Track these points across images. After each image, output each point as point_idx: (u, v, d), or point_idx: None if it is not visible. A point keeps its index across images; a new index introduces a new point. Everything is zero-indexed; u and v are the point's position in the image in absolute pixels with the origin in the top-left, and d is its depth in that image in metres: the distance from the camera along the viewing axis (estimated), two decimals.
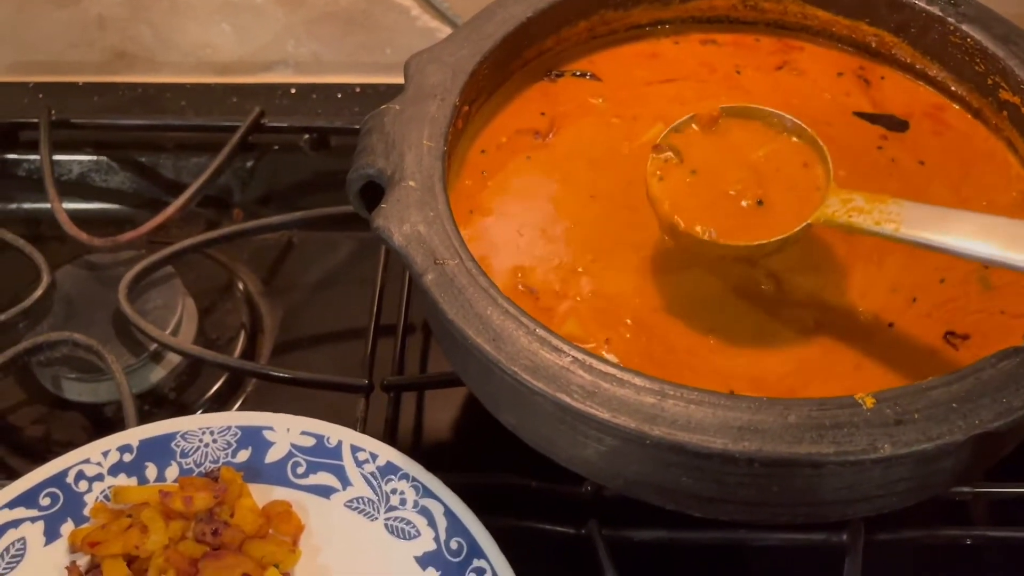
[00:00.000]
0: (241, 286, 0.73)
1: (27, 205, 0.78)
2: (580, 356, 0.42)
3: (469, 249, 0.46)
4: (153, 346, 0.65)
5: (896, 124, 0.58)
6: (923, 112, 0.59)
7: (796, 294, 0.50)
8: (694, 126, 0.52)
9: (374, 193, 0.51)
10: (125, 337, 0.65)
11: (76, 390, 0.65)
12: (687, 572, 0.55)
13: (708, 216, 0.49)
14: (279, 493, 0.52)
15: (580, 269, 0.51)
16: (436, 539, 0.50)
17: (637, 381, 0.41)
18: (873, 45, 0.61)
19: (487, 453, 0.59)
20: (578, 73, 0.62)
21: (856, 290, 0.50)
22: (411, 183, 0.49)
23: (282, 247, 0.76)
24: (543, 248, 0.52)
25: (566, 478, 0.56)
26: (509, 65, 0.59)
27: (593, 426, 0.41)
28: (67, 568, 0.50)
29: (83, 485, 0.52)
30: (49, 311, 0.66)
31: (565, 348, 0.42)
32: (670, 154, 0.51)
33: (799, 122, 0.50)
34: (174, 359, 0.66)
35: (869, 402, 0.39)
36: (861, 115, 0.58)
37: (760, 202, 0.49)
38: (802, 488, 0.42)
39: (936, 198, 0.52)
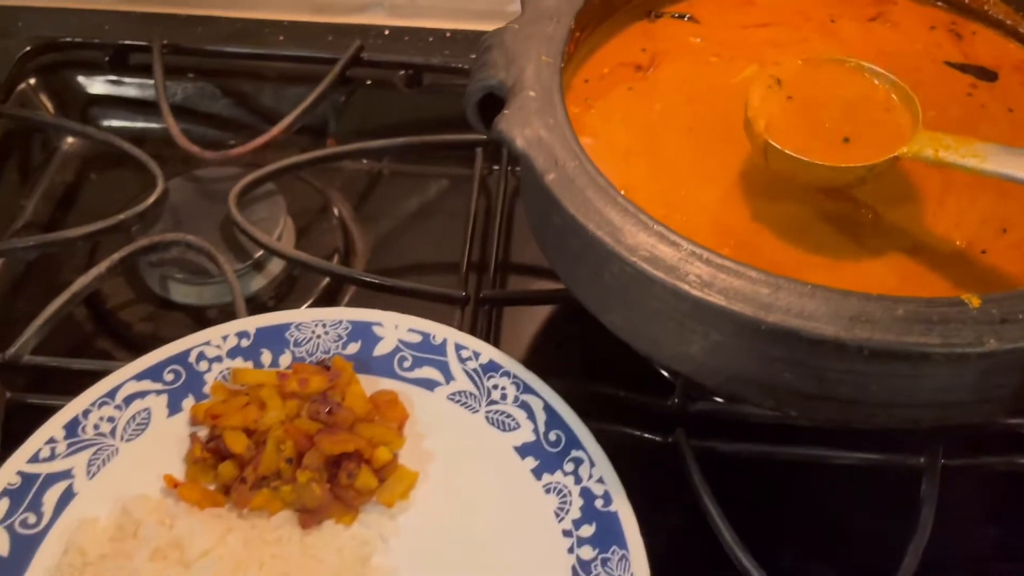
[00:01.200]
0: (336, 211, 0.76)
1: (139, 124, 0.81)
2: (697, 250, 0.44)
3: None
4: (257, 254, 0.68)
5: (986, 75, 0.60)
6: (1012, 66, 0.61)
7: (891, 223, 0.52)
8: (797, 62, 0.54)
9: (489, 109, 0.54)
10: (231, 245, 0.68)
11: (182, 292, 0.68)
12: (769, 486, 0.57)
13: (799, 141, 0.51)
14: (385, 384, 0.55)
15: (682, 193, 0.53)
16: (535, 431, 0.53)
17: (752, 274, 0.43)
18: (967, 1, 0.63)
19: (577, 367, 0.62)
20: (677, 15, 0.64)
21: (949, 220, 0.52)
22: (531, 93, 0.51)
23: (373, 178, 0.79)
24: (644, 172, 0.55)
25: (654, 391, 0.59)
26: (614, 1, 0.62)
27: (707, 316, 0.44)
28: (190, 436, 0.53)
29: (203, 365, 0.55)
30: (161, 217, 0.69)
31: (682, 242, 0.44)
32: (772, 80, 0.53)
33: (888, 74, 0.52)
34: (273, 269, 0.70)
35: (975, 302, 0.41)
36: (952, 64, 0.60)
37: (847, 139, 0.51)
38: (900, 387, 0.44)
39: None
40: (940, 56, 0.61)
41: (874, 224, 0.52)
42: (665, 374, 0.62)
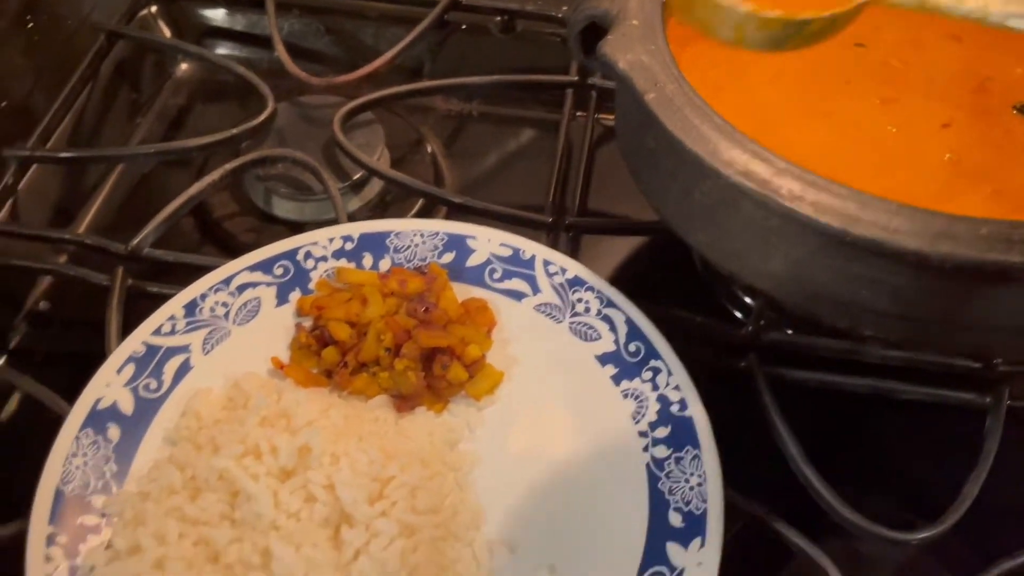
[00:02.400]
0: (428, 148, 0.80)
1: (248, 54, 0.86)
2: (789, 166, 0.47)
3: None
4: (357, 175, 0.72)
5: None
6: None
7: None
8: None
9: (589, 40, 0.57)
10: (332, 166, 0.73)
11: (284, 207, 0.73)
12: (833, 416, 0.59)
13: None
14: (476, 292, 0.59)
15: (770, 135, 0.56)
16: (616, 342, 0.56)
17: (842, 191, 0.45)
18: None
19: (652, 295, 0.65)
20: None
21: None
22: (634, 22, 0.54)
23: (463, 118, 0.83)
24: (733, 108, 0.57)
25: (729, 319, 0.62)
26: None
27: (794, 229, 0.46)
28: (295, 326, 0.57)
29: (310, 263, 0.60)
30: (269, 135, 0.74)
31: (775, 160, 0.47)
32: None
33: None
34: (369, 193, 0.74)
35: None
36: None
37: None
38: (976, 308, 0.46)
39: None
40: None
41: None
42: (737, 312, 0.64)
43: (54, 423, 0.52)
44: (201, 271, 0.60)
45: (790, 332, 0.61)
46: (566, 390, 0.55)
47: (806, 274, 0.49)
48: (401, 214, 0.74)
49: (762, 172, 0.47)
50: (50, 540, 0.47)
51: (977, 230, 0.43)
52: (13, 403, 0.63)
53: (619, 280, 0.68)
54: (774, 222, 0.47)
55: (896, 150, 0.54)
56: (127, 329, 0.58)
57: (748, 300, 0.64)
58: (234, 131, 0.71)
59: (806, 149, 0.55)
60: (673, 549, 0.48)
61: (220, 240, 0.73)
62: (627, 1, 0.56)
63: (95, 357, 0.56)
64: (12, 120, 0.75)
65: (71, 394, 0.54)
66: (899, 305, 0.47)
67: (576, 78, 0.76)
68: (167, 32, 0.87)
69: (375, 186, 0.74)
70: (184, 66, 0.86)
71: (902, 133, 0.55)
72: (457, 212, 0.69)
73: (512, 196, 0.76)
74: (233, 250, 0.72)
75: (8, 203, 0.71)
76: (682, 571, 0.47)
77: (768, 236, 0.49)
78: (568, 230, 0.67)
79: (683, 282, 0.67)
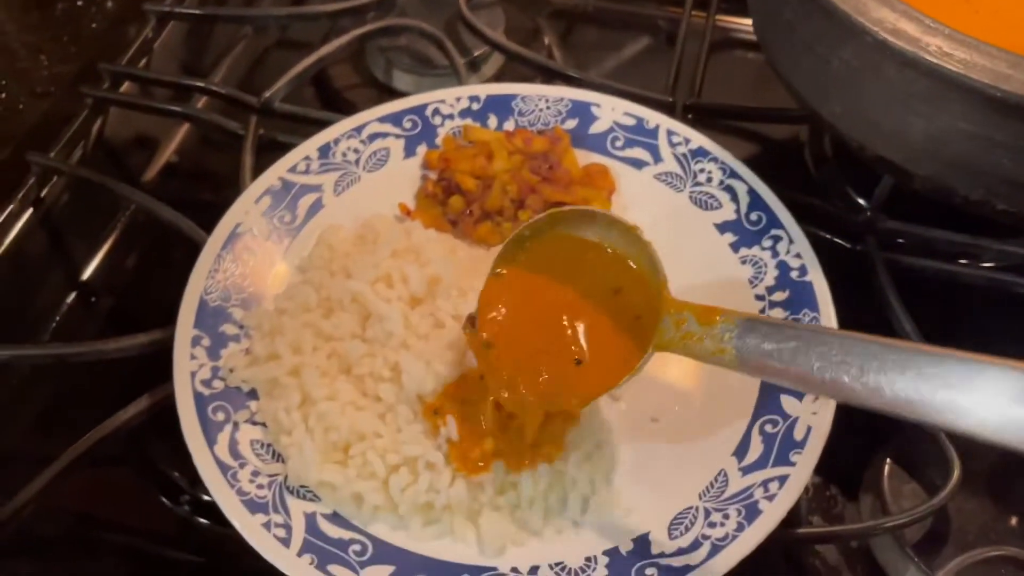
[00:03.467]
0: (545, 40, 0.80)
1: None
2: (939, 26, 0.46)
3: None
4: (478, 52, 0.73)
5: None
6: None
7: None
8: None
9: None
10: (455, 41, 0.74)
11: (404, 81, 0.74)
12: (952, 307, 0.59)
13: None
14: (597, 159, 0.60)
15: None
16: (737, 211, 0.56)
17: (992, 51, 0.45)
18: None
19: (774, 180, 0.65)
20: None
21: None
22: None
23: (579, 14, 0.83)
24: None
25: (850, 206, 0.61)
26: None
27: (940, 89, 0.46)
28: (422, 177, 0.59)
29: (437, 120, 0.61)
30: (394, 7, 0.75)
31: (925, 19, 0.47)
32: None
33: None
34: (487, 72, 0.75)
35: None
36: None
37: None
38: None
39: None
40: None
41: None
42: (859, 198, 0.64)
43: (195, 249, 0.55)
44: (328, 126, 0.62)
45: (907, 223, 0.60)
46: (682, 255, 0.55)
47: (944, 141, 0.49)
48: None
49: (911, 30, 0.47)
50: (195, 341, 0.50)
51: None
52: (155, 231, 0.66)
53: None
54: (919, 85, 0.47)
55: None
56: (258, 176, 0.60)
57: (862, 200, 0.63)
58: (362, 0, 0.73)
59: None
60: (787, 400, 0.48)
61: (341, 110, 0.74)
62: None
63: (227, 202, 0.58)
64: None
65: (207, 227, 0.56)
66: None
67: None
68: None
69: (493, 65, 0.75)
70: None
71: None
72: (576, 86, 0.69)
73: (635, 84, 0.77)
74: None
75: (145, 58, 0.74)
76: (795, 420, 0.47)
77: (908, 102, 0.48)
78: (687, 111, 0.67)
79: (805, 169, 0.67)
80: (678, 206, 0.58)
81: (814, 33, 0.52)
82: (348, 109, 0.74)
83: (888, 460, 0.53)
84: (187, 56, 0.77)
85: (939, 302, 0.59)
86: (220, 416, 0.48)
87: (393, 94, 0.75)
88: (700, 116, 0.68)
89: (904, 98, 0.49)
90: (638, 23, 0.82)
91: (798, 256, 0.53)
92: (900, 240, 0.60)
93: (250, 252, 0.54)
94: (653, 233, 0.57)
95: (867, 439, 0.54)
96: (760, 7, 0.59)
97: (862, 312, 0.57)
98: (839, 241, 0.60)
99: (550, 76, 0.72)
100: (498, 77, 0.75)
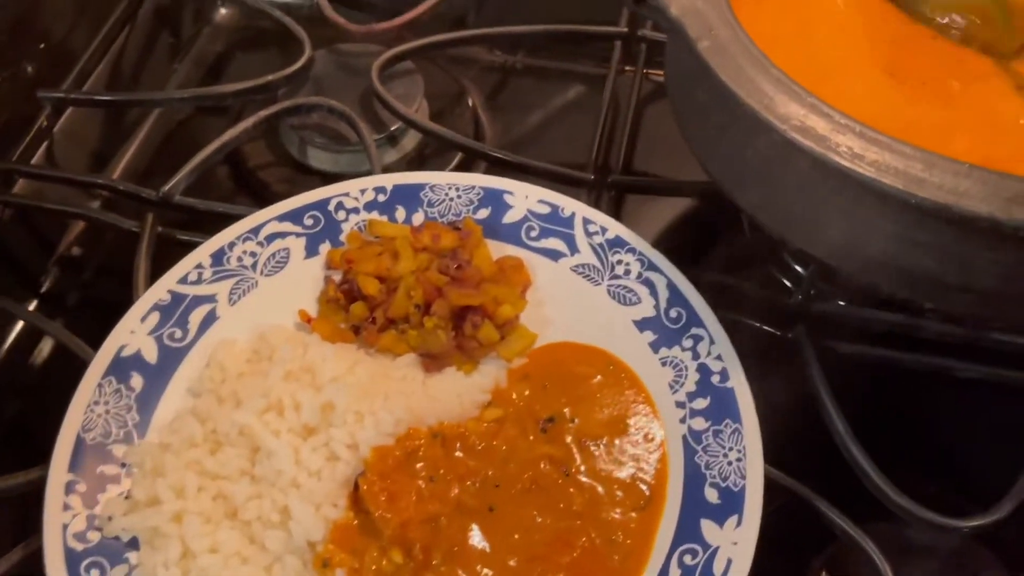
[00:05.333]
0: (470, 101, 0.77)
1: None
2: (850, 122, 0.43)
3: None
4: (394, 126, 0.70)
5: None
6: None
7: None
8: None
9: None
10: (369, 117, 0.70)
11: (319, 158, 0.71)
12: (884, 392, 0.56)
13: None
14: (511, 250, 0.57)
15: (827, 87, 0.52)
16: (656, 307, 0.53)
17: (906, 149, 0.42)
18: None
19: (697, 259, 0.62)
20: None
21: None
22: None
23: (507, 71, 0.80)
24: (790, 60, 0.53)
25: (777, 287, 0.58)
26: None
27: (853, 191, 0.43)
28: (325, 279, 0.56)
29: (341, 214, 0.58)
30: (306, 83, 0.72)
31: (835, 114, 0.44)
32: None
33: None
34: (407, 145, 0.72)
35: None
36: None
37: None
38: None
39: None
40: None
41: None
42: (786, 280, 0.61)
43: (82, 369, 0.51)
44: (231, 220, 0.58)
45: (842, 303, 0.57)
46: None
47: (863, 241, 0.46)
48: (439, 168, 0.71)
49: (820, 128, 0.43)
50: (69, 488, 0.46)
51: None
52: (45, 348, 0.63)
53: (662, 244, 0.65)
54: (831, 183, 0.44)
55: (967, 108, 0.50)
56: (156, 276, 0.57)
57: (798, 268, 0.60)
58: (270, 78, 0.69)
59: (869, 106, 0.51)
60: (708, 526, 0.45)
61: (253, 190, 0.71)
62: None
63: (125, 303, 0.55)
64: (49, 62, 0.74)
65: (100, 342, 0.53)
66: (965, 276, 0.44)
67: (625, 29, 0.72)
68: None
69: (413, 138, 0.72)
70: (223, 11, 0.84)
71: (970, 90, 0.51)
72: (496, 167, 0.66)
73: (554, 153, 0.73)
74: (266, 200, 0.69)
75: (43, 146, 0.70)
76: (716, 550, 0.44)
77: (825, 198, 0.45)
78: (610, 189, 0.64)
79: (730, 248, 0.64)
80: (596, 301, 0.54)
81: (726, 120, 0.49)
82: (260, 190, 0.72)
83: (823, 572, 0.50)
84: (90, 142, 0.73)
85: (876, 389, 0.56)
86: (94, 575, 0.44)
87: (308, 172, 0.72)
88: (624, 191, 0.65)
89: (819, 194, 0.46)
90: (567, 80, 0.79)
91: (719, 359, 0.50)
92: (833, 324, 0.57)
93: (136, 378, 0.51)
94: (571, 331, 0.54)
95: (800, 549, 0.51)
96: (675, 82, 0.56)
97: (791, 406, 0.54)
98: (768, 328, 0.57)
99: (468, 153, 0.69)
100: (419, 150, 0.72)
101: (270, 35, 0.80)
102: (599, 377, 0.53)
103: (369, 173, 0.62)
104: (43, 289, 0.66)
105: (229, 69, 0.82)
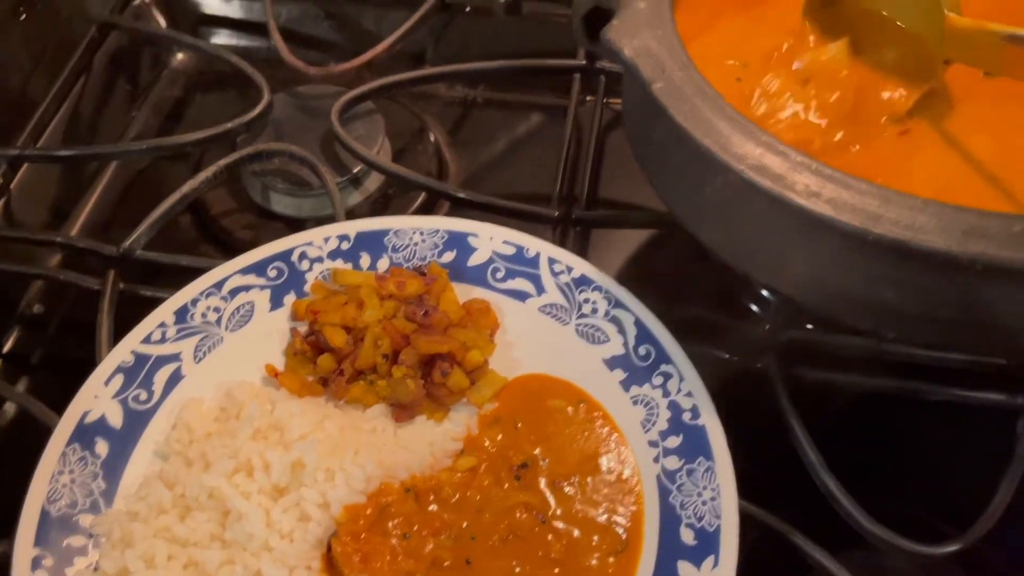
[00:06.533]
0: (432, 137, 0.77)
1: (244, 43, 0.84)
2: (806, 160, 0.43)
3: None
4: (356, 168, 0.70)
5: None
6: None
7: None
8: None
9: (595, 25, 0.54)
10: (331, 159, 0.70)
11: (282, 203, 0.70)
12: (855, 418, 0.57)
13: None
14: (478, 293, 0.56)
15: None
16: (625, 345, 0.53)
17: (862, 186, 0.42)
18: None
19: (667, 292, 0.62)
20: None
21: None
22: (641, 5, 0.51)
23: (468, 105, 0.80)
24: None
25: (745, 317, 0.59)
26: None
27: (812, 228, 0.43)
28: (291, 331, 0.55)
29: (305, 264, 0.57)
30: (265, 128, 0.71)
31: (791, 153, 0.44)
32: None
33: None
34: (370, 187, 0.71)
35: None
36: None
37: None
38: (1007, 311, 0.43)
39: None
40: None
41: None
42: (754, 307, 0.61)
43: (47, 435, 0.50)
44: (194, 272, 0.58)
45: (811, 328, 0.58)
46: None
47: (824, 275, 0.46)
48: (403, 208, 0.71)
49: (776, 166, 0.44)
50: (35, 563, 0.46)
51: (1010, 227, 0.40)
52: (8, 412, 0.62)
53: (630, 274, 0.66)
54: (790, 220, 0.44)
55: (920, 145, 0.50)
56: (119, 334, 0.56)
57: (767, 295, 0.61)
58: (229, 125, 0.69)
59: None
60: (685, 569, 0.45)
61: (217, 237, 0.71)
62: None
63: (89, 361, 0.54)
64: (5, 114, 0.73)
65: (64, 404, 0.52)
66: (925, 306, 0.44)
67: (584, 62, 0.73)
68: (162, 21, 0.84)
69: (376, 179, 0.71)
70: (180, 56, 0.83)
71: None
72: (460, 206, 0.66)
73: (519, 185, 0.74)
74: (231, 247, 0.70)
75: (0, 203, 0.69)
76: None
77: (784, 235, 0.46)
78: (576, 224, 0.64)
79: (699, 276, 0.64)
80: (565, 341, 0.54)
81: (684, 159, 0.49)
82: (225, 237, 0.71)
83: None
84: (48, 197, 0.73)
85: (847, 416, 0.56)
86: None
87: (273, 217, 0.71)
88: (589, 226, 0.65)
89: (779, 231, 0.46)
90: (529, 112, 0.79)
91: (689, 395, 0.50)
92: (803, 351, 0.57)
93: (101, 444, 0.50)
94: (540, 371, 0.54)
95: None
96: (632, 120, 0.56)
97: (765, 437, 0.54)
98: (738, 359, 0.57)
99: (430, 191, 0.69)
100: (383, 190, 0.72)
101: (229, 78, 0.79)
102: (571, 410, 0.52)
103: (333, 217, 0.62)
104: (4, 349, 0.65)
105: (189, 114, 0.81)
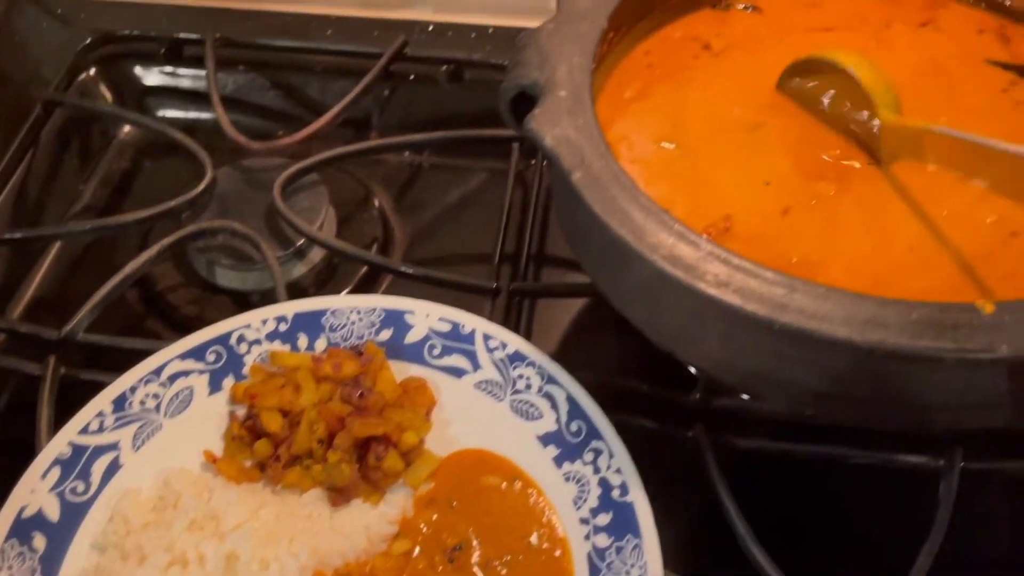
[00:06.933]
0: (376, 203, 0.78)
1: (191, 114, 0.85)
2: (715, 250, 0.45)
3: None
4: (299, 242, 0.71)
5: None
6: None
7: None
8: None
9: (522, 107, 0.56)
10: (275, 233, 0.71)
11: (227, 277, 0.71)
12: (786, 483, 0.58)
13: None
14: (415, 370, 0.58)
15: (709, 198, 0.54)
16: (557, 421, 0.54)
17: (768, 275, 0.44)
18: (1008, 4, 0.63)
19: (604, 360, 0.64)
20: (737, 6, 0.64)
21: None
22: (562, 93, 0.53)
23: (414, 170, 0.81)
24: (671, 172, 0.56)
25: (676, 385, 0.60)
26: (649, 1, 0.63)
27: (723, 314, 0.45)
28: (229, 415, 0.56)
29: (243, 347, 0.58)
30: (209, 204, 0.72)
31: (702, 243, 0.45)
32: None
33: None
34: (314, 258, 0.72)
35: (988, 308, 0.42)
36: (995, 63, 0.60)
37: None
38: (913, 391, 0.45)
39: None
40: (984, 56, 0.61)
41: None
42: (687, 374, 0.63)
43: None
44: (137, 355, 0.58)
45: (742, 397, 0.59)
46: None
47: (741, 356, 0.47)
48: (348, 277, 0.72)
49: (688, 257, 0.45)
50: None
51: (908, 315, 0.42)
52: None
53: (569, 341, 0.67)
54: (703, 307, 0.46)
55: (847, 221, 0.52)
56: (60, 420, 0.56)
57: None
58: (172, 204, 0.70)
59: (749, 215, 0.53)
60: None
61: (164, 313, 0.71)
62: (555, 71, 0.54)
63: (32, 449, 0.55)
64: None
65: (6, 491, 0.52)
66: (836, 386, 0.46)
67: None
68: (108, 94, 0.85)
69: (320, 251, 0.72)
70: (127, 128, 0.84)
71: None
72: (401, 278, 0.68)
73: (465, 247, 0.75)
74: (177, 323, 0.71)
75: None
76: None
77: (699, 320, 0.47)
78: (512, 296, 0.65)
79: (634, 343, 0.65)
80: (500, 418, 0.55)
81: (604, 245, 0.51)
82: (170, 312, 0.72)
83: None
84: None
85: (776, 481, 0.58)
86: None
87: (218, 292, 0.72)
88: (526, 296, 0.67)
89: (695, 316, 0.47)
90: (474, 176, 0.81)
91: (618, 472, 0.51)
92: (731, 419, 0.58)
93: (38, 539, 0.50)
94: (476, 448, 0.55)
95: None
96: (560, 208, 0.58)
97: (696, 506, 0.55)
98: (669, 429, 0.58)
99: (372, 266, 0.70)
100: (327, 261, 0.73)
101: (178, 149, 0.80)
102: (505, 485, 0.53)
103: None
104: None
105: (137, 185, 0.82)
